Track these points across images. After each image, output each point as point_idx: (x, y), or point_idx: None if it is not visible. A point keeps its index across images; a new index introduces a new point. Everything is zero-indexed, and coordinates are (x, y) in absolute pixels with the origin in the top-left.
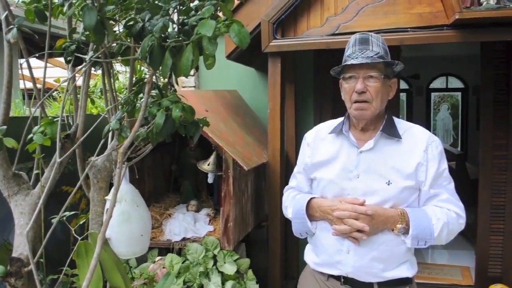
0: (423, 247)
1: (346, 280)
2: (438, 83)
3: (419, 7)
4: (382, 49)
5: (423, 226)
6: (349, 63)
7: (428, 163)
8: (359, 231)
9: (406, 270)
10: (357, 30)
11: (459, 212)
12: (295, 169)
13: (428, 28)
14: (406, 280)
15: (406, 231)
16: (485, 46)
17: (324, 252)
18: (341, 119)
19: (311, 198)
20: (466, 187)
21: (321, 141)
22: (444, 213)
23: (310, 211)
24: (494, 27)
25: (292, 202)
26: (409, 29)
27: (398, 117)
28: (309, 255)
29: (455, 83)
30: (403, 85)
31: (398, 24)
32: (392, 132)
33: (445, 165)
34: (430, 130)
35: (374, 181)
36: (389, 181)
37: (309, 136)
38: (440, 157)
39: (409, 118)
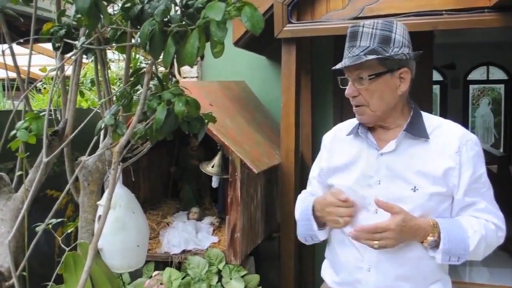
0: (456, 263)
1: None
2: (478, 74)
3: None
4: (378, 38)
5: (456, 239)
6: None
7: (462, 167)
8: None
9: None
10: (384, 13)
11: (499, 224)
12: (311, 174)
13: (466, 10)
14: None
15: (436, 245)
16: None
17: (343, 270)
18: None
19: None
20: (510, 195)
21: (339, 143)
22: (482, 225)
23: (317, 213)
24: None
25: (301, 204)
26: (444, 12)
27: (430, 112)
28: (328, 273)
29: (497, 74)
30: (436, 76)
31: (431, 6)
32: (418, 132)
33: (483, 168)
34: (468, 129)
35: (397, 187)
36: (415, 187)
37: (327, 138)
38: (477, 159)
39: (443, 114)
